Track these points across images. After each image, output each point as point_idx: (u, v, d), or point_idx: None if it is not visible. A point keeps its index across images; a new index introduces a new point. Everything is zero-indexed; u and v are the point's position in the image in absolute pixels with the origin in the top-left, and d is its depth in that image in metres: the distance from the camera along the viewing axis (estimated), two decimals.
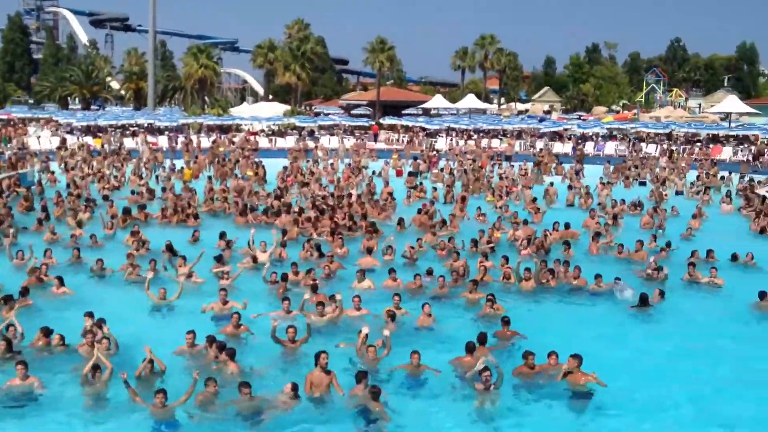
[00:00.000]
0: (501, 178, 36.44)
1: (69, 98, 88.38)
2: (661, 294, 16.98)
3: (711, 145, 52.58)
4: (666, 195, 32.43)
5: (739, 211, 29.88)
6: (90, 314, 14.06)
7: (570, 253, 20.83)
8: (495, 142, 56.64)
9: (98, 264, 19.04)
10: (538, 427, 11.41)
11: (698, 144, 53.78)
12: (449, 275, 18.35)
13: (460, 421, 11.44)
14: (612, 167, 40.57)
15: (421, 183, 34.55)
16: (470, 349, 13.07)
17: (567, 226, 23.99)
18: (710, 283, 18.54)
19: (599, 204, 29.49)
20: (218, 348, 12.83)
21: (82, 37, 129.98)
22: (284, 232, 22.78)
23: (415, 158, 43.42)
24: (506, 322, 14.59)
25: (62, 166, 38.46)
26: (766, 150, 49.31)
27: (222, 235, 21.63)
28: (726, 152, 50.79)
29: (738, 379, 13.14)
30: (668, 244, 21.87)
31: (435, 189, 32.33)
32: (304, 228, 23.76)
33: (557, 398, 12.07)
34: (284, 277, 17.59)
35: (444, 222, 24.77)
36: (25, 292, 16.19)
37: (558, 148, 53.07)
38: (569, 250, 21.15)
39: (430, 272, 18.34)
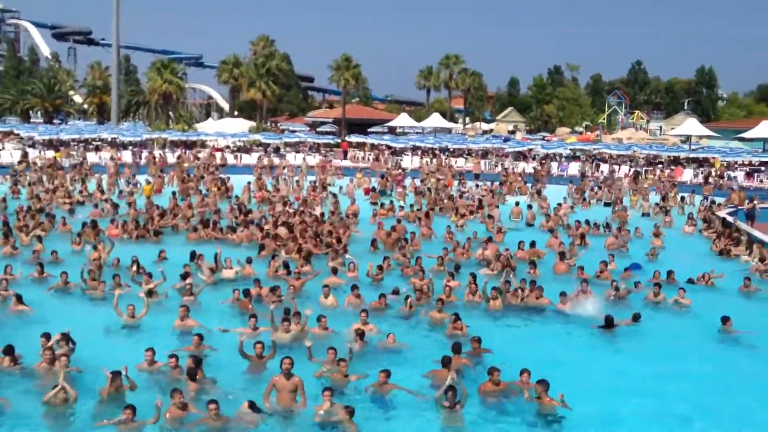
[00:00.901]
0: (462, 197, 36.64)
1: (31, 111, 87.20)
2: (636, 318, 17.04)
3: (672, 167, 53.41)
4: (628, 215, 32.75)
5: (701, 232, 30.33)
6: (46, 335, 13.75)
7: (536, 273, 21.00)
8: (460, 161, 57.09)
9: (62, 278, 18.77)
10: None
11: (660, 166, 54.60)
12: (414, 293, 18.33)
13: None
14: (575, 188, 41.00)
15: (391, 201, 34.53)
16: (446, 363, 13.11)
17: (533, 244, 24.15)
18: (677, 303, 18.78)
19: (561, 224, 29.68)
20: (195, 362, 12.72)
21: (44, 50, 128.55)
22: (261, 248, 22.89)
23: (382, 176, 43.51)
24: (477, 340, 14.63)
25: (25, 180, 37.87)
26: (725, 173, 50.17)
27: (192, 256, 21.31)
28: (687, 174, 51.64)
29: (700, 396, 13.31)
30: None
31: (402, 207, 32.39)
32: (280, 245, 23.57)
33: (524, 417, 12.08)
34: (246, 293, 17.48)
35: (405, 240, 24.82)
36: None
37: (522, 168, 53.44)
38: (535, 269, 21.33)
39: (396, 292, 18.33)
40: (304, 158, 54.01)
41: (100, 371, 12.22)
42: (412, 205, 33.07)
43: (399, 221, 28.06)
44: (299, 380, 12.05)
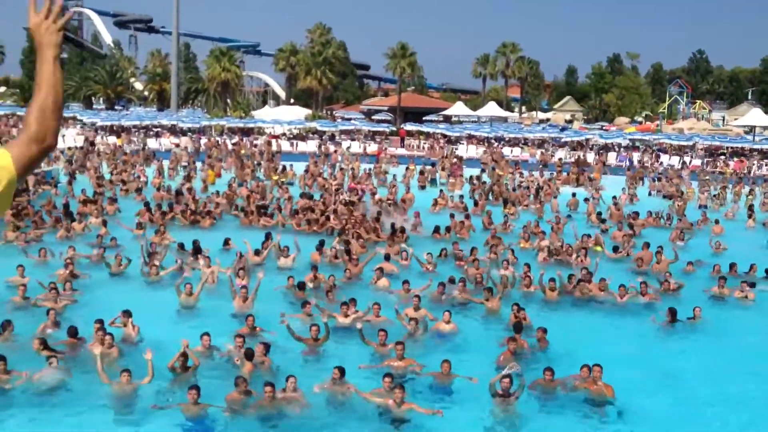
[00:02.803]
0: (521, 186, 36.29)
1: (93, 98, 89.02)
2: (695, 313, 16.50)
3: (735, 159, 52.21)
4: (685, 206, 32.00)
5: (764, 225, 29.55)
6: (100, 321, 13.74)
7: (587, 261, 20.77)
8: (516, 151, 56.61)
9: (117, 260, 19.16)
10: None
11: (722, 157, 53.41)
12: (469, 283, 18.25)
13: (478, 428, 11.40)
14: (632, 177, 40.41)
15: (441, 191, 34.19)
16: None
17: (597, 237, 23.97)
18: (741, 298, 18.36)
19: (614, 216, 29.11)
20: (247, 355, 12.81)
21: (107, 37, 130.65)
22: (342, 231, 23.31)
23: (433, 164, 43.41)
24: (543, 330, 14.57)
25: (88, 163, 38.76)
26: None
27: (267, 236, 21.72)
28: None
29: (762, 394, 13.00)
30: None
31: (461, 197, 32.00)
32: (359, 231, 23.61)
33: (577, 408, 11.98)
34: (301, 285, 17.47)
35: (447, 229, 24.66)
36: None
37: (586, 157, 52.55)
38: (586, 257, 21.16)
39: (452, 280, 18.23)
40: (348, 147, 54.12)
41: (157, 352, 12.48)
42: (461, 196, 32.61)
43: (466, 208, 28.52)
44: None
